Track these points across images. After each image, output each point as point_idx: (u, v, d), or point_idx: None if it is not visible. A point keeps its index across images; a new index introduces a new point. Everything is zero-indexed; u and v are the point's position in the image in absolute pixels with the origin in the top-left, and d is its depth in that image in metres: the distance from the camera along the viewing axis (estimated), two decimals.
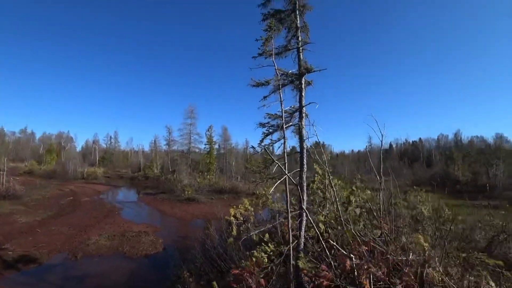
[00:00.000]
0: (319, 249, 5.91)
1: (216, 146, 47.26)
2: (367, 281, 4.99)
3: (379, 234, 7.07)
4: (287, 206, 5.24)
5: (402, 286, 4.68)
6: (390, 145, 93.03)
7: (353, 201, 8.19)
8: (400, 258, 5.67)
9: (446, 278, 5.00)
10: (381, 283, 5.26)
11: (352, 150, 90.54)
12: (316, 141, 6.13)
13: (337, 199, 7.30)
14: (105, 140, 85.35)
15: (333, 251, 6.37)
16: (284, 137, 5.16)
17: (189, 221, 20.51)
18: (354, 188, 8.48)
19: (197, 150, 44.03)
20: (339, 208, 7.11)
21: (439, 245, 5.87)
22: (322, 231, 6.12)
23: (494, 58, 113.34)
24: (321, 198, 7.53)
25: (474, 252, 6.01)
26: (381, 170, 7.37)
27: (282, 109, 5.44)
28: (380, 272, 4.95)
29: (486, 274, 5.54)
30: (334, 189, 7.37)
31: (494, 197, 27.46)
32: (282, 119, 5.40)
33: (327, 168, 5.69)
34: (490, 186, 31.67)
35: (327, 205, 7.79)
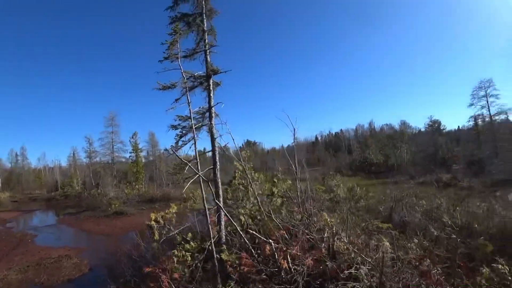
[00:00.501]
0: (242, 240, 6.24)
1: (144, 154, 44.77)
2: (284, 260, 5.50)
3: (300, 218, 7.76)
4: (203, 203, 5.42)
5: (311, 260, 5.28)
6: (316, 137, 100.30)
7: (276, 192, 8.80)
8: (313, 236, 6.36)
9: (350, 246, 5.79)
10: (299, 260, 5.84)
11: (282, 145, 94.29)
12: (247, 140, 6.45)
13: (257, 192, 7.78)
14: (9, 158, 73.25)
15: (256, 240, 6.80)
16: (194, 138, 5.33)
17: (119, 236, 19.21)
18: (275, 180, 9.09)
19: (123, 160, 41.15)
20: (259, 200, 7.59)
21: (346, 220, 6.70)
22: (243, 222, 6.47)
23: (395, 54, 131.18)
24: (244, 193, 7.92)
25: (373, 221, 7.06)
26: (296, 162, 8.07)
27: (190, 111, 5.59)
28: (294, 251, 5.50)
29: (382, 237, 6.56)
30: (255, 183, 7.81)
31: (400, 174, 31.92)
32: (191, 120, 5.55)
33: (243, 164, 6.04)
34: (397, 165, 36.77)
35: (251, 199, 8.22)
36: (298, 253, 5.76)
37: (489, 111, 31.97)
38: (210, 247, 5.72)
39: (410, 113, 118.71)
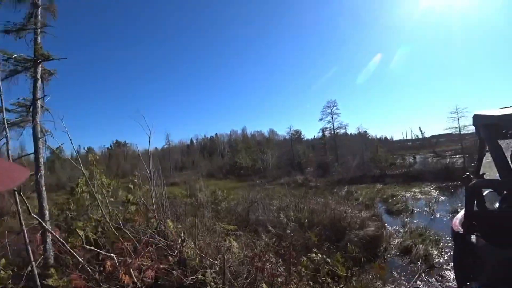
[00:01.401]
0: (75, 260, 5.31)
1: None
2: (127, 275, 4.96)
3: (155, 226, 7.28)
4: (19, 219, 4.32)
5: (152, 270, 4.95)
6: (191, 140, 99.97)
7: (131, 199, 8.03)
8: (163, 244, 6.04)
9: (198, 251, 5.76)
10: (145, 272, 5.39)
11: (156, 148, 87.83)
12: (115, 140, 5.44)
13: (108, 200, 6.90)
14: None
15: (100, 256, 5.95)
16: (6, 136, 4.12)
17: None
18: (131, 186, 8.32)
19: None
20: (110, 208, 6.75)
21: (195, 225, 6.67)
22: (82, 237, 5.53)
23: (267, 69, 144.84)
24: (89, 202, 6.86)
25: (220, 224, 7.31)
26: (150, 166, 7.60)
27: (1, 101, 4.32)
28: (138, 263, 5.04)
29: (231, 239, 6.82)
30: (106, 190, 6.92)
31: (266, 177, 35.28)
32: (3, 114, 4.32)
33: (82, 169, 5.18)
34: (263, 168, 40.55)
35: (101, 208, 7.20)
36: (147, 265, 5.34)
37: (333, 125, 39.80)
38: (31, 273, 4.59)
39: (279, 123, 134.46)
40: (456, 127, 25.89)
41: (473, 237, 2.85)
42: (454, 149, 33.79)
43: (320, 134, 44.81)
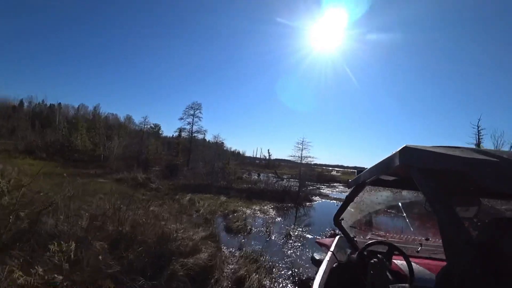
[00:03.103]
0: None
1: None
2: None
3: None
4: None
5: None
6: (21, 102, 78.47)
7: None
8: None
9: None
10: None
11: None
12: None
13: None
14: None
15: None
16: None
17: None
18: None
19: None
20: None
21: None
22: None
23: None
24: None
25: None
26: None
27: None
28: None
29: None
30: None
31: (105, 167, 30.55)
32: None
33: None
34: (105, 158, 35.20)
35: None
36: None
37: (192, 127, 38.74)
38: None
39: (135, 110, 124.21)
40: (299, 156, 28.65)
41: None
42: (291, 173, 39.30)
43: (177, 134, 43.30)
